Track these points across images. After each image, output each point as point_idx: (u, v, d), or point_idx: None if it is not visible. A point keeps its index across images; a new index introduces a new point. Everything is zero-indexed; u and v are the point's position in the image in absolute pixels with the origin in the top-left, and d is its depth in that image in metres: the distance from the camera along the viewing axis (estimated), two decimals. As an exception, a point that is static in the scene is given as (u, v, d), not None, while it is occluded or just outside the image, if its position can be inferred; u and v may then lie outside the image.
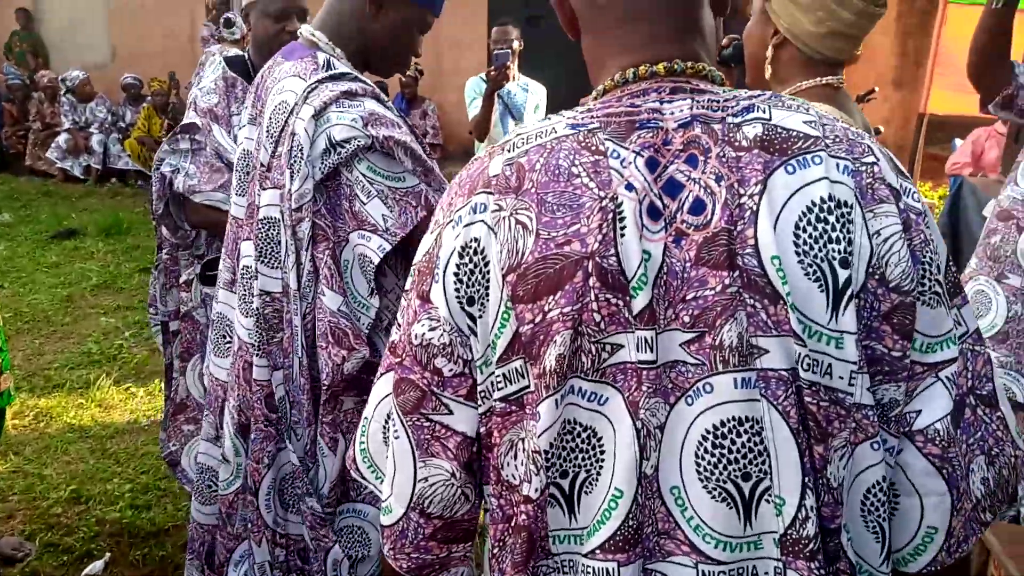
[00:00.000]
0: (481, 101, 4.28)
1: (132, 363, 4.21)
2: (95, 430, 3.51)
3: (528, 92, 4.54)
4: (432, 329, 0.79)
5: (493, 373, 0.77)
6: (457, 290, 0.78)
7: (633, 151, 0.75)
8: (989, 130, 5.68)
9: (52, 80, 8.99)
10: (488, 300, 0.76)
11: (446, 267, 0.78)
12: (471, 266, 0.77)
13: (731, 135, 0.75)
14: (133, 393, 3.87)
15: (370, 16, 1.56)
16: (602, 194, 0.74)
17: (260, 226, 1.52)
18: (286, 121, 1.50)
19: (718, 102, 0.77)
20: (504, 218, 0.76)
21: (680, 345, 0.74)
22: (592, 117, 0.78)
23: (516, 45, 4.29)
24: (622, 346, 0.74)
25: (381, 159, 1.44)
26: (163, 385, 2.58)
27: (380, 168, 1.43)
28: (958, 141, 5.99)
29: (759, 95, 0.79)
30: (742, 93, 0.79)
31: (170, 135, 2.24)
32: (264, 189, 1.53)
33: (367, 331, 1.47)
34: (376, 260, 1.42)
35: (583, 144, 0.76)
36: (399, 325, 0.84)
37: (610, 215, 0.73)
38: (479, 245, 0.77)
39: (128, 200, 8.11)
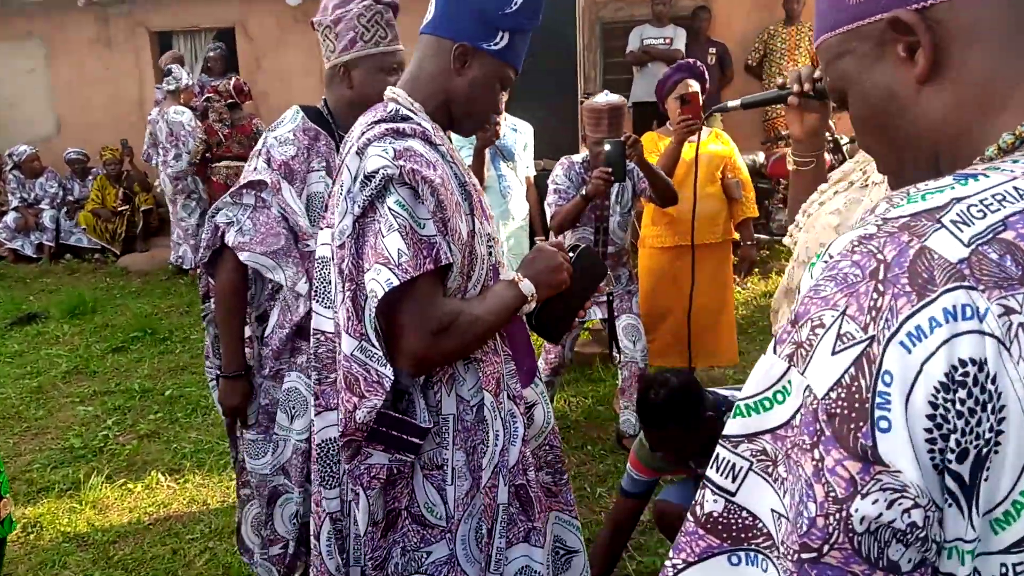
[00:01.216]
0: (471, 151, 4.12)
1: (123, 455, 3.89)
2: (94, 536, 3.18)
3: (517, 132, 4.40)
4: (892, 506, 0.55)
5: (1001, 566, 0.57)
6: (933, 441, 0.55)
7: None
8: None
9: (-5, 158, 8.61)
10: (1002, 454, 0.55)
11: (907, 406, 0.55)
12: (970, 403, 0.55)
13: None
14: (130, 489, 3.55)
15: (453, 73, 1.50)
16: None
17: (316, 265, 1.53)
18: (342, 162, 1.48)
19: None
20: (1022, 324, 0.55)
21: None
22: None
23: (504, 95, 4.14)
24: None
25: (410, 196, 1.39)
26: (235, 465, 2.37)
27: (407, 205, 1.38)
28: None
29: None
30: None
31: (234, 189, 2.11)
32: (321, 230, 1.52)
33: (391, 377, 1.39)
34: (380, 294, 1.34)
35: None
36: (778, 502, 0.60)
37: None
38: (981, 369, 0.54)
39: (88, 276, 7.73)
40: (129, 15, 8.89)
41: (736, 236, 3.93)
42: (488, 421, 1.51)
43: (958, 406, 0.55)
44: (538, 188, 4.89)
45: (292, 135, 2.10)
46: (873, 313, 0.58)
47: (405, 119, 1.47)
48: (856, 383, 0.57)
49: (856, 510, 0.56)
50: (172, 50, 8.39)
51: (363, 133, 1.46)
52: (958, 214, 0.59)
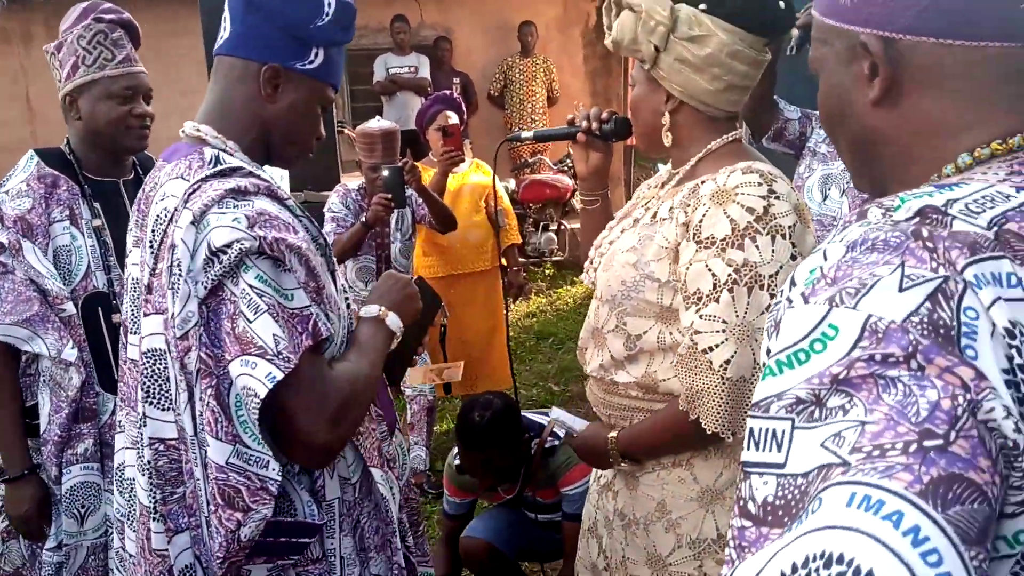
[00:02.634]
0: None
1: None
2: None
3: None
4: (1008, 417, 0.53)
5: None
6: (1008, 385, 0.55)
7: None
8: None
9: None
10: None
11: (992, 341, 0.55)
12: None
13: None
14: None
15: (266, 99, 1.31)
16: None
17: (145, 360, 1.27)
18: (165, 231, 1.23)
19: None
20: None
21: None
22: None
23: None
24: None
25: (271, 268, 1.19)
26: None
27: (270, 279, 1.18)
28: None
29: None
30: None
31: None
32: (147, 316, 1.26)
33: (278, 479, 1.19)
34: (263, 393, 1.13)
35: None
36: (880, 400, 0.53)
37: None
38: None
39: None
40: None
41: (503, 262, 4.05)
42: (382, 496, 1.37)
43: (1020, 359, 0.55)
44: (297, 222, 4.71)
45: (25, 185, 1.86)
46: (937, 260, 0.57)
47: (236, 170, 1.27)
48: (936, 315, 0.55)
49: (985, 403, 0.53)
50: None
51: (189, 194, 1.23)
52: (962, 209, 0.61)
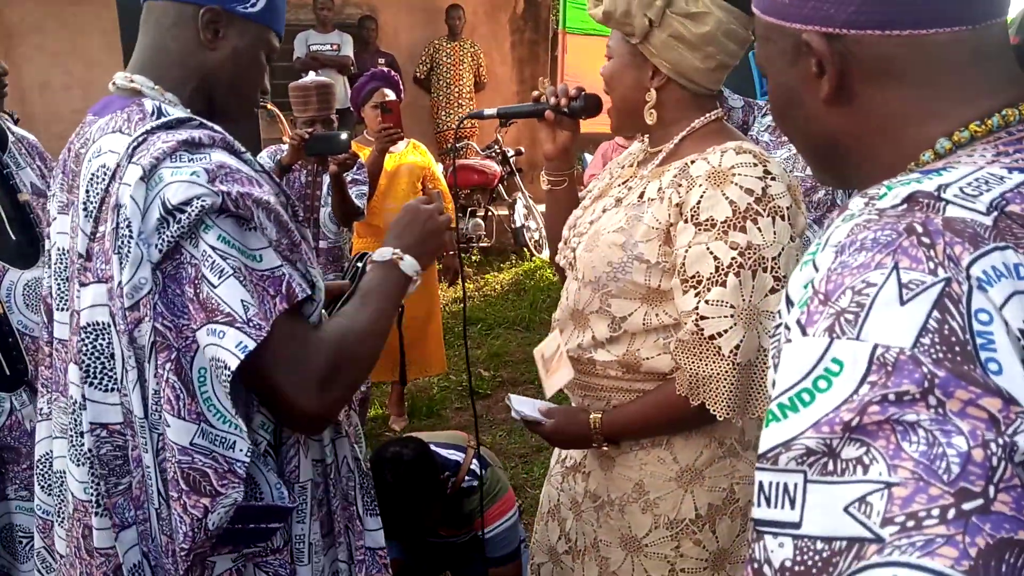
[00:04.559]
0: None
1: None
2: None
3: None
4: None
5: None
6: None
7: None
8: (611, 143, 6.43)
9: None
10: None
11: (1013, 347, 0.50)
12: None
13: None
14: None
15: (206, 46, 1.21)
16: None
17: (84, 335, 1.13)
18: (106, 190, 1.11)
19: None
20: None
21: None
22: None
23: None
24: None
25: (235, 227, 1.09)
26: None
27: (235, 239, 1.08)
28: (587, 155, 6.69)
29: None
30: None
31: None
32: (84, 286, 1.13)
33: (246, 460, 1.11)
34: (235, 365, 1.05)
35: None
36: (922, 454, 0.48)
37: None
38: None
39: None
40: None
41: (438, 245, 3.97)
42: (350, 471, 1.30)
43: None
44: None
45: None
46: (936, 259, 0.52)
47: (185, 121, 1.15)
48: (947, 326, 0.50)
49: (1017, 437, 0.47)
50: None
51: (134, 148, 1.10)
52: (956, 194, 0.57)
